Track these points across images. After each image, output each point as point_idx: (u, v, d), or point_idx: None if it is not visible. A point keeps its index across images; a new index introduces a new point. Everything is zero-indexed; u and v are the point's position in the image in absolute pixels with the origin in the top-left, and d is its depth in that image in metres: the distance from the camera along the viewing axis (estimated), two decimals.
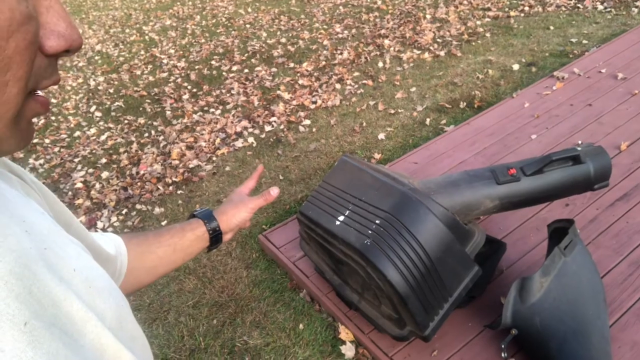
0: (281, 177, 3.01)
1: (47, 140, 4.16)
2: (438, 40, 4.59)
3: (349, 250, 1.59)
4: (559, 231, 1.69)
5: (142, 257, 0.77)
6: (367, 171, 1.73)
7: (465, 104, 3.38)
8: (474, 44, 4.35)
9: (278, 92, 4.17)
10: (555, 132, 2.72)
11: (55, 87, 5.38)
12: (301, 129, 3.53)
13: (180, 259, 0.82)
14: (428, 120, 3.28)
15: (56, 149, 4.01)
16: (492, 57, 3.99)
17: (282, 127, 3.62)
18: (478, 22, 4.79)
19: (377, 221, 1.54)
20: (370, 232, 1.53)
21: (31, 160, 3.86)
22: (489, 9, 5.08)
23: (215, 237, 0.86)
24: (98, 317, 0.42)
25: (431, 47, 4.44)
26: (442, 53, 4.28)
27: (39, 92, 0.36)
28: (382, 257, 1.47)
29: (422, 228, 1.50)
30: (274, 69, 4.69)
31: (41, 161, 3.87)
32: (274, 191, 0.93)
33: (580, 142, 2.58)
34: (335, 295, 1.97)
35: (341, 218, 1.67)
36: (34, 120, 0.35)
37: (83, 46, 6.71)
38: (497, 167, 1.64)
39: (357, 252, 1.53)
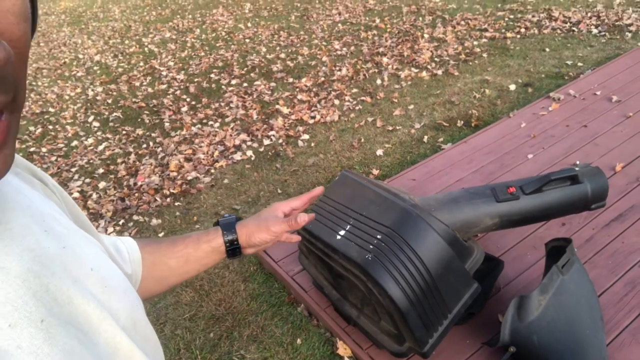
0: (279, 191, 3.02)
1: (44, 149, 4.16)
2: (436, 59, 4.66)
3: (350, 264, 1.59)
4: (557, 250, 1.71)
5: (153, 266, 0.76)
6: (368, 186, 1.75)
7: (462, 122, 3.42)
8: (471, 63, 4.42)
9: (277, 106, 4.20)
10: (551, 152, 2.76)
11: (53, 96, 5.39)
12: (300, 143, 3.55)
13: (195, 270, 0.80)
14: (426, 137, 3.32)
15: (53, 158, 4.01)
16: (489, 77, 4.05)
17: (280, 141, 3.64)
18: (475, 43, 4.87)
19: (378, 236, 1.55)
20: (371, 247, 1.54)
21: None
22: (485, 30, 5.17)
23: (233, 250, 0.81)
24: (112, 316, 0.42)
25: (429, 66, 4.50)
26: (439, 72, 4.34)
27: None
28: (383, 272, 1.48)
29: (423, 244, 1.51)
30: (273, 84, 4.73)
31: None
32: (302, 218, 0.81)
33: (577, 162, 2.62)
34: (334, 310, 1.97)
35: (342, 232, 1.68)
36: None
37: (82, 56, 6.76)
38: (496, 185, 1.67)
39: (358, 266, 1.54)
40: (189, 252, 0.78)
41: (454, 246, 1.55)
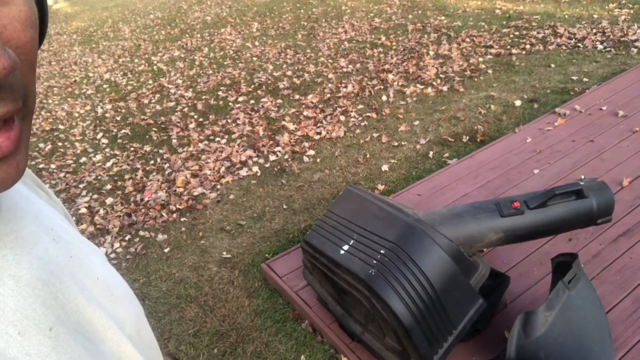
0: (285, 207, 3.02)
1: (52, 166, 4.21)
2: (441, 75, 4.68)
3: (353, 280, 1.59)
4: (563, 265, 1.69)
5: None
6: (372, 201, 1.75)
7: (468, 137, 3.42)
8: (476, 80, 4.43)
9: (283, 122, 4.23)
10: (557, 167, 2.75)
11: (63, 113, 5.47)
12: (305, 159, 3.56)
13: None
14: (431, 153, 3.32)
15: (62, 174, 4.05)
16: (494, 93, 4.06)
17: (286, 157, 3.66)
18: (480, 59, 4.89)
19: (382, 251, 1.55)
20: (375, 262, 1.53)
21: None
22: (491, 47, 5.20)
23: None
24: (118, 325, 0.43)
25: (434, 82, 4.53)
26: (444, 88, 4.36)
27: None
28: (387, 287, 1.47)
29: (427, 259, 1.50)
30: (279, 100, 4.77)
31: (46, 186, 3.89)
32: None
33: (582, 177, 2.61)
34: (338, 326, 1.96)
35: (345, 247, 1.68)
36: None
37: (92, 74, 6.88)
38: (501, 200, 1.66)
39: (362, 282, 1.53)
40: None
41: (459, 261, 1.54)
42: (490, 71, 4.56)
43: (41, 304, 0.35)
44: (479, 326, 1.78)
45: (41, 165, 4.23)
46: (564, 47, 4.81)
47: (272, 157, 3.67)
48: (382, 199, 1.81)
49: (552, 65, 4.41)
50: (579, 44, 4.80)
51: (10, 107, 0.29)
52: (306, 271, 2.03)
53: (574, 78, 4.06)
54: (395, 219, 1.61)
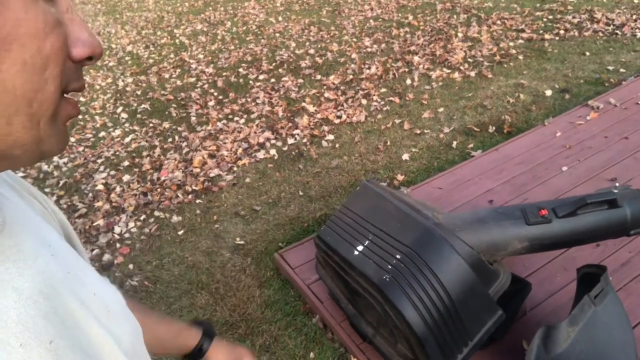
0: (301, 193, 2.96)
1: (72, 139, 4.21)
2: (469, 60, 4.50)
3: (367, 283, 1.53)
4: (589, 276, 1.60)
5: None
6: (389, 200, 1.67)
7: (494, 128, 3.29)
8: (505, 65, 4.25)
9: (303, 104, 4.14)
10: (587, 165, 2.62)
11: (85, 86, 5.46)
12: (324, 143, 3.48)
13: (155, 352, 0.79)
14: (455, 143, 3.20)
15: (80, 148, 4.05)
16: (524, 81, 3.89)
17: (305, 140, 3.58)
18: (511, 44, 4.69)
19: (397, 256, 1.48)
20: (390, 267, 1.47)
21: (55, 158, 3.90)
22: (522, 31, 4.98)
23: (193, 356, 0.81)
24: (115, 341, 0.43)
25: (461, 67, 4.36)
26: (472, 73, 4.20)
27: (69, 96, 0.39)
28: (401, 295, 1.40)
29: (445, 267, 1.43)
30: (300, 80, 4.66)
31: (65, 159, 3.90)
32: None
33: (617, 184, 2.46)
34: (349, 324, 1.91)
35: (360, 248, 1.61)
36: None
37: (115, 45, 6.84)
38: (527, 206, 1.57)
39: (375, 287, 1.47)
40: (166, 338, 0.79)
41: (478, 270, 1.46)
42: (520, 57, 4.37)
43: (42, 317, 0.36)
44: (496, 335, 1.71)
45: None
46: (600, 34, 4.57)
47: (290, 140, 3.60)
48: (400, 197, 1.74)
49: (587, 54, 4.19)
50: (617, 31, 4.55)
51: (84, 82, 0.38)
52: (319, 265, 1.98)
53: (610, 68, 3.86)
54: (413, 222, 1.53)
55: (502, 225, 1.54)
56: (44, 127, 0.35)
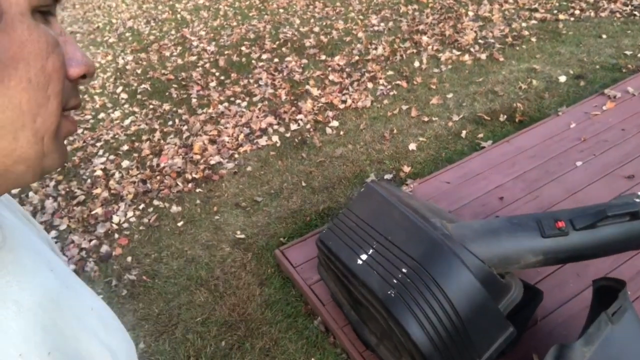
0: (304, 184, 2.87)
1: None
2: (480, 41, 4.33)
3: (370, 296, 1.45)
4: (606, 289, 1.52)
5: None
6: (395, 205, 1.58)
7: (505, 117, 3.16)
8: (518, 48, 4.09)
9: (307, 87, 4.01)
10: (603, 160, 2.51)
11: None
12: (328, 130, 3.37)
13: None
14: (464, 132, 3.09)
15: (80, 131, 3.96)
16: (537, 66, 3.74)
17: (308, 126, 3.47)
18: (523, 24, 4.50)
19: (403, 269, 1.40)
20: (395, 281, 1.39)
21: None
22: (536, 10, 4.78)
23: None
24: (112, 355, 0.44)
25: (472, 49, 4.20)
26: (483, 56, 4.04)
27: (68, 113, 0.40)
28: (407, 312, 1.33)
29: (454, 283, 1.35)
30: (304, 60, 4.52)
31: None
32: None
33: (639, 192, 2.35)
34: (352, 330, 1.84)
35: (364, 257, 1.53)
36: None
37: (115, 20, 6.67)
38: (542, 217, 1.47)
39: (379, 302, 1.39)
40: None
41: (489, 285, 1.38)
42: (533, 39, 4.19)
43: (41, 329, 0.37)
44: (506, 349, 1.64)
45: None
46: (618, 15, 4.37)
47: (293, 126, 3.49)
48: (406, 201, 1.64)
49: (604, 36, 4.02)
50: (636, 12, 4.35)
51: (80, 100, 0.39)
52: (321, 267, 1.91)
53: (628, 53, 3.69)
54: (420, 233, 1.45)
55: (515, 237, 1.45)
56: (47, 143, 0.36)
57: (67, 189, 3.21)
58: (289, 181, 2.92)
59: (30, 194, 3.17)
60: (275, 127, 3.53)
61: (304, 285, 2.07)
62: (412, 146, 3.04)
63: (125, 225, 2.83)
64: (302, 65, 4.45)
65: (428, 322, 1.32)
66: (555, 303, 1.82)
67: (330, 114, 3.56)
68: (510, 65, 3.84)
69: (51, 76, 0.34)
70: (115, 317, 0.51)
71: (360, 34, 4.88)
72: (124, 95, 4.44)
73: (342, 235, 1.68)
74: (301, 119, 3.56)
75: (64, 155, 0.40)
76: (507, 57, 3.98)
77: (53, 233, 2.85)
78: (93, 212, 2.97)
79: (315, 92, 3.90)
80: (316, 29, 5.22)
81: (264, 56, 4.75)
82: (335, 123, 3.44)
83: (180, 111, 3.99)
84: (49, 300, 0.39)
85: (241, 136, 3.49)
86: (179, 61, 4.99)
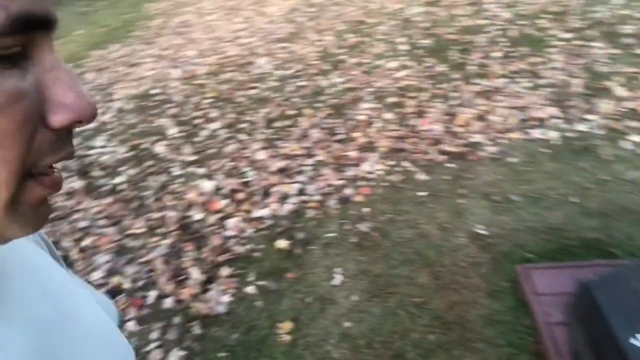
0: (575, 200, 2.43)
1: (352, 60, 4.32)
2: None
3: None
4: None
5: None
6: None
7: None
8: None
9: (610, 82, 3.34)
10: None
11: (374, 6, 5.49)
12: (624, 144, 2.76)
13: None
14: None
15: (356, 72, 4.13)
16: None
17: (599, 132, 2.90)
18: None
19: None
20: None
21: (334, 77, 4.05)
22: None
23: None
24: None
25: None
26: None
27: (54, 170, 0.33)
28: None
29: None
30: (615, 51, 3.76)
31: (343, 79, 4.04)
32: None
33: None
34: None
35: None
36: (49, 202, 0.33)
37: None
38: None
39: None
40: None
41: None
42: None
43: None
44: None
45: (343, 57, 4.40)
46: None
47: (579, 127, 2.97)
48: None
49: None
50: None
51: (72, 150, 0.33)
52: (573, 313, 1.58)
53: None
54: None
55: None
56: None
57: (332, 125, 3.41)
58: (557, 189, 2.52)
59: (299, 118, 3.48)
60: (557, 121, 3.06)
61: (542, 321, 1.77)
62: None
63: (372, 176, 2.87)
64: (610, 56, 3.71)
65: None
66: None
67: (633, 124, 2.90)
68: None
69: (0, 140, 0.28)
70: (114, 330, 0.49)
71: None
72: (404, 47, 4.44)
73: (621, 295, 1.33)
74: (593, 120, 3.00)
75: (34, 224, 0.33)
76: None
77: (309, 161, 3.07)
78: (347, 154, 3.10)
79: (620, 91, 3.23)
80: (638, 15, 4.27)
81: (565, 35, 4.13)
82: (636, 138, 2.80)
83: (454, 76, 3.80)
84: (42, 340, 0.38)
85: (513, 120, 3.13)
86: (468, 22, 4.73)
